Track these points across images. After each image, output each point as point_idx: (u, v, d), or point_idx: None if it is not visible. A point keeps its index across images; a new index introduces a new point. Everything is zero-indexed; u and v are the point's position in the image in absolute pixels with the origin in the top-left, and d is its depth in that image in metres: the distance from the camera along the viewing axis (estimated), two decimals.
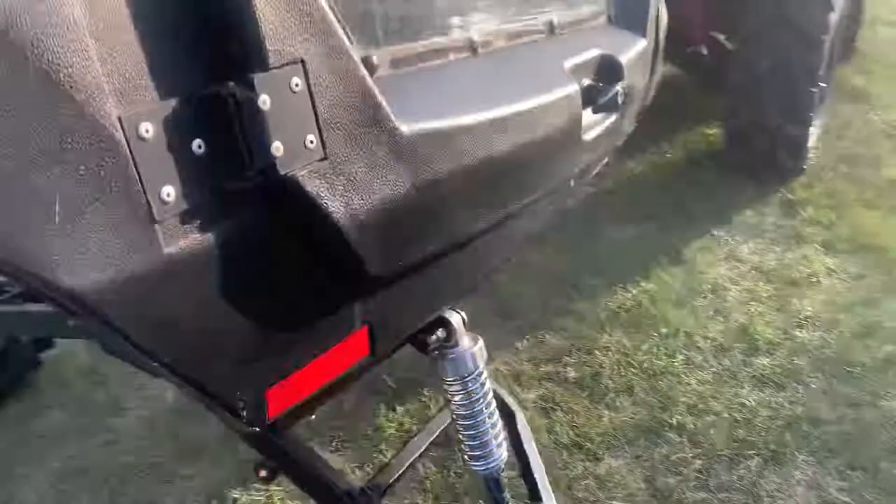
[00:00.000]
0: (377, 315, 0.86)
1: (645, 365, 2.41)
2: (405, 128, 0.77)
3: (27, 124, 0.51)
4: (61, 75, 0.51)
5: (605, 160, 1.42)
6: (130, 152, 0.56)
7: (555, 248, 3.08)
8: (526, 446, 1.53)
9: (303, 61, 0.66)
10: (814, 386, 2.29)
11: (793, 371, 2.35)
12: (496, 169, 0.93)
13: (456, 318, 1.30)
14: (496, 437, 1.40)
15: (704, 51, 3.51)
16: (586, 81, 1.17)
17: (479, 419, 1.37)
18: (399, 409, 2.30)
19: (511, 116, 0.93)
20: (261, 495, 2.04)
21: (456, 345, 1.30)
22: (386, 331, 0.89)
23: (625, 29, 1.37)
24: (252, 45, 0.62)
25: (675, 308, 2.67)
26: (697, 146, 3.91)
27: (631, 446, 2.13)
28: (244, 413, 0.74)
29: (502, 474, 1.40)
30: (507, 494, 1.41)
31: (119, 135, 0.55)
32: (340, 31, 0.70)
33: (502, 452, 1.41)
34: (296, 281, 0.74)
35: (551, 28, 1.19)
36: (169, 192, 0.59)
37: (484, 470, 1.39)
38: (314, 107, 0.67)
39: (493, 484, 1.40)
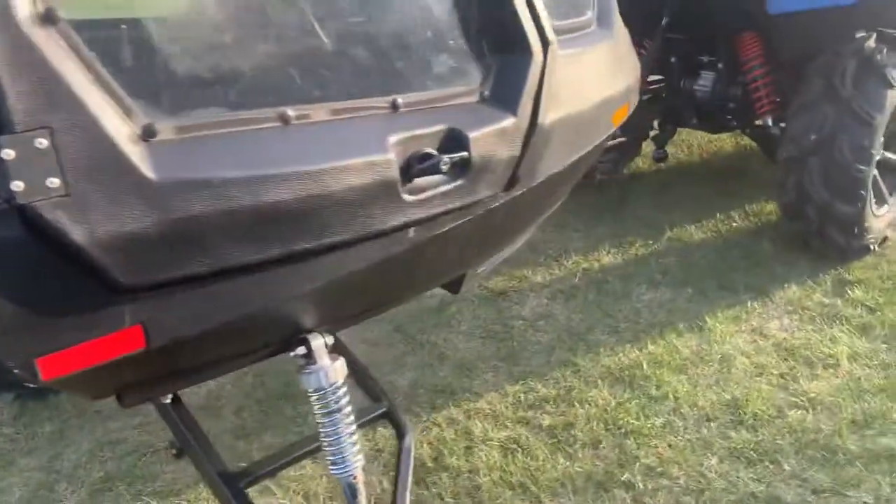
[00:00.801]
0: (151, 317, 1.14)
1: (620, 423, 2.46)
2: (154, 175, 1.05)
3: None
4: None
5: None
6: None
7: (581, 302, 3.19)
8: (402, 465, 1.72)
9: (50, 127, 0.96)
10: (786, 467, 2.24)
11: (770, 450, 2.31)
12: (267, 213, 1.18)
13: (318, 341, 1.54)
14: (352, 447, 1.61)
15: (770, 121, 3.47)
16: (424, 150, 1.39)
17: (335, 429, 1.59)
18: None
19: (282, 174, 1.19)
20: None
21: (314, 362, 1.55)
22: (162, 331, 1.17)
23: (494, 108, 1.56)
24: (2, 115, 0.94)
25: (674, 373, 2.68)
26: (760, 216, 3.83)
27: (575, 496, 2.21)
28: (16, 372, 1.04)
29: (357, 480, 1.61)
30: (362, 498, 1.61)
31: None
32: (90, 105, 0.99)
33: (357, 461, 1.61)
34: (54, 281, 1.03)
35: (395, 106, 1.42)
36: None
37: (341, 474, 1.60)
38: (58, 158, 0.97)
39: (349, 489, 1.61)
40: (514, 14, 1.54)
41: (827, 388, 2.54)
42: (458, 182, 1.46)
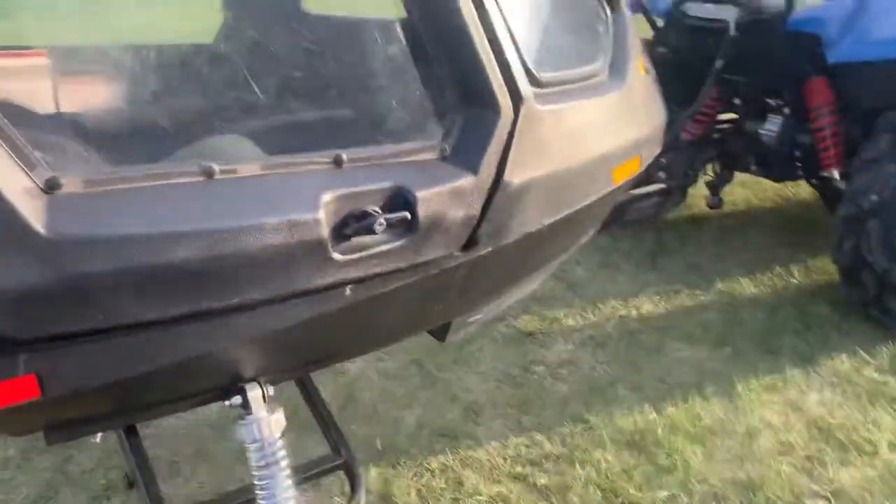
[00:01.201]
0: (46, 367, 1.14)
1: (620, 492, 2.31)
2: (46, 231, 1.05)
3: None
4: None
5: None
6: None
7: (610, 352, 3.04)
8: None
9: None
10: None
11: None
12: (170, 272, 1.16)
13: (255, 392, 1.52)
14: (287, 501, 1.57)
15: (836, 174, 3.20)
16: (362, 209, 1.34)
17: (269, 482, 1.56)
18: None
19: (189, 231, 1.16)
20: None
21: (250, 412, 1.52)
22: (60, 381, 1.16)
23: (454, 165, 1.48)
24: None
25: (690, 442, 2.50)
26: (822, 274, 3.53)
27: None
28: None
29: None
30: None
31: None
32: None
33: None
34: None
35: (337, 161, 1.37)
36: None
37: None
38: None
39: None
40: (480, 68, 1.46)
41: (857, 479, 2.31)
42: (401, 242, 1.40)
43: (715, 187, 3.81)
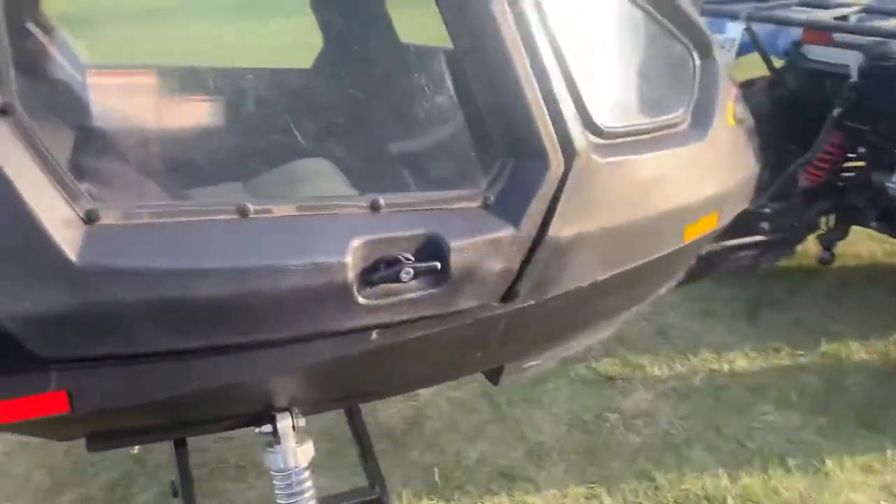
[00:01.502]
0: (75, 385, 1.21)
1: None
2: (79, 260, 1.12)
3: None
4: None
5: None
6: None
7: (691, 407, 2.88)
8: None
9: None
10: None
11: None
12: (195, 306, 1.20)
13: (285, 421, 1.55)
14: None
15: None
16: (395, 254, 1.34)
17: None
18: None
19: (218, 269, 1.20)
20: None
21: (278, 442, 1.55)
22: (88, 399, 1.23)
23: (495, 215, 1.45)
24: None
25: None
26: None
27: None
28: None
29: None
30: None
31: None
32: (21, 188, 1.08)
33: None
34: None
35: (374, 206, 1.37)
36: None
37: None
38: None
39: None
40: (529, 118, 1.43)
41: None
42: (432, 291, 1.39)
43: (828, 241, 3.53)
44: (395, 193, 1.42)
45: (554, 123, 1.45)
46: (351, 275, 1.30)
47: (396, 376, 1.67)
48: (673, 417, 2.84)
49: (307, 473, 1.59)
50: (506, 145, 1.48)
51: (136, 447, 2.12)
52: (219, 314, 1.24)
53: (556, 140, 1.45)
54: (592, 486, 2.51)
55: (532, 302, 1.56)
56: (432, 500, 2.48)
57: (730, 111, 1.98)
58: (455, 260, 1.38)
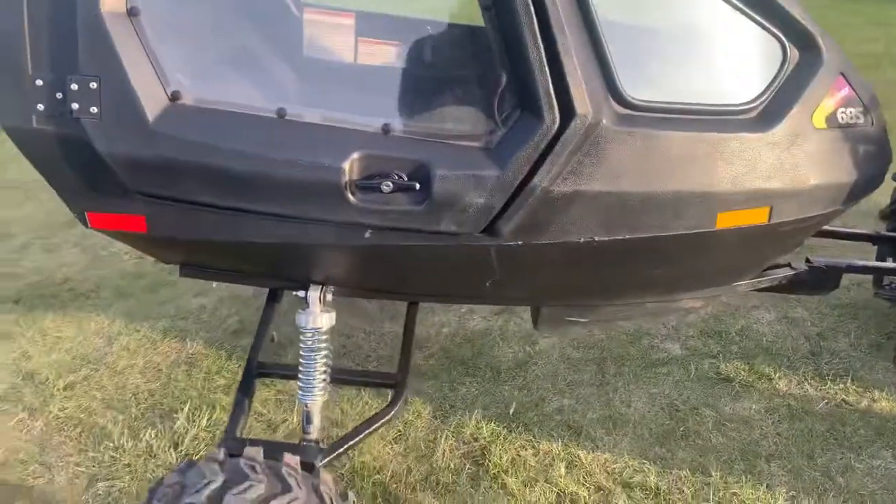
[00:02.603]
0: (151, 214, 1.72)
1: None
2: (156, 126, 1.62)
3: None
4: None
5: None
6: None
7: (800, 431, 2.71)
8: (367, 425, 2.00)
9: (99, 77, 1.60)
10: None
11: None
12: (228, 174, 1.64)
13: (315, 292, 1.96)
14: (320, 382, 1.98)
15: None
16: (389, 171, 1.66)
17: (309, 363, 1.98)
18: None
19: (248, 151, 1.62)
20: None
21: (307, 306, 1.95)
22: (158, 227, 1.73)
23: (488, 157, 1.64)
24: (77, 63, 1.61)
25: None
26: None
27: None
28: (76, 214, 1.75)
29: (313, 409, 1.97)
30: (312, 427, 1.98)
31: None
32: (130, 72, 1.59)
33: (319, 395, 1.98)
34: (95, 166, 1.69)
35: (385, 129, 1.67)
36: None
37: (303, 399, 2.00)
38: (100, 96, 1.61)
39: (305, 414, 1.99)
40: (531, 76, 1.61)
41: None
42: (415, 207, 1.68)
43: None
44: (413, 122, 1.72)
45: (555, 84, 1.62)
46: (345, 178, 1.64)
47: (399, 279, 1.98)
48: (770, 431, 2.72)
49: (326, 337, 1.98)
50: (514, 98, 1.68)
51: (215, 283, 2.66)
52: (244, 184, 1.67)
53: (553, 99, 1.62)
54: (646, 462, 2.57)
55: (519, 242, 1.75)
56: (497, 426, 2.74)
57: (820, 111, 1.89)
58: (437, 186, 1.65)
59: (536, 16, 1.59)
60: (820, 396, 2.91)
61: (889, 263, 2.78)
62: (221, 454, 1.79)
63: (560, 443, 2.67)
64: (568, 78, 1.61)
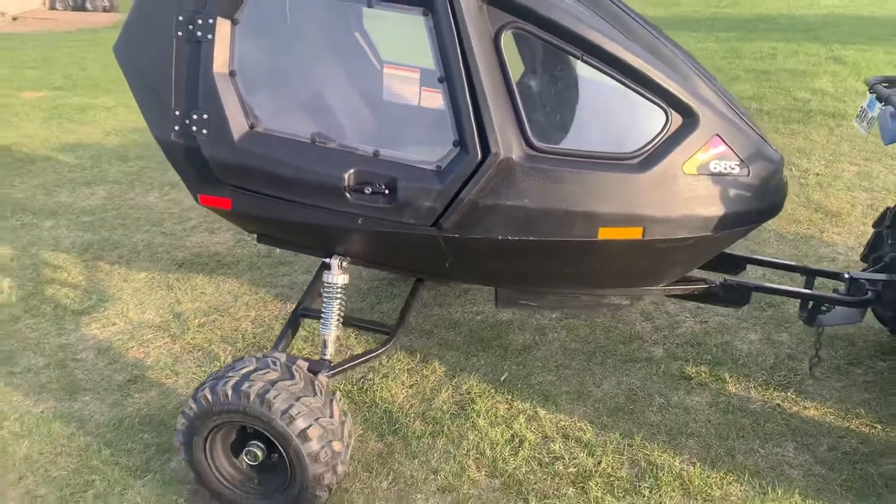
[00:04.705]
0: (234, 197, 2.78)
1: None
2: (237, 142, 2.68)
3: None
4: None
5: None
6: None
7: (731, 428, 3.30)
8: (359, 360, 2.96)
9: (201, 111, 2.69)
10: None
11: None
12: (279, 177, 2.68)
13: (335, 260, 2.94)
14: (336, 321, 2.97)
15: None
16: (373, 181, 2.62)
17: (328, 307, 2.96)
18: None
19: (289, 164, 2.65)
20: None
21: (329, 268, 2.94)
22: (238, 206, 2.78)
23: (435, 176, 2.54)
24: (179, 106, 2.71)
25: None
26: None
27: None
28: (192, 195, 2.85)
29: (329, 339, 2.94)
30: (329, 349, 2.95)
31: None
32: (224, 103, 2.66)
33: (331, 328, 2.95)
34: (206, 165, 2.77)
35: (375, 154, 2.62)
36: None
37: (321, 330, 2.97)
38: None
39: (323, 343, 2.98)
40: (464, 125, 2.50)
41: None
42: (387, 205, 2.62)
43: None
44: (393, 150, 2.65)
45: (478, 130, 2.48)
46: (344, 182, 2.61)
47: (386, 255, 2.91)
48: (702, 419, 3.35)
49: (341, 291, 2.95)
50: (455, 137, 2.57)
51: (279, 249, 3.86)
52: (288, 183, 2.68)
53: (476, 141, 2.49)
54: (589, 425, 3.31)
55: (457, 235, 2.63)
56: (488, 386, 3.58)
57: (691, 161, 2.60)
58: (400, 192, 2.58)
59: (468, 87, 2.47)
60: (760, 399, 3.48)
61: (791, 287, 3.32)
62: (260, 355, 2.81)
63: (530, 403, 3.46)
64: (487, 127, 2.48)
